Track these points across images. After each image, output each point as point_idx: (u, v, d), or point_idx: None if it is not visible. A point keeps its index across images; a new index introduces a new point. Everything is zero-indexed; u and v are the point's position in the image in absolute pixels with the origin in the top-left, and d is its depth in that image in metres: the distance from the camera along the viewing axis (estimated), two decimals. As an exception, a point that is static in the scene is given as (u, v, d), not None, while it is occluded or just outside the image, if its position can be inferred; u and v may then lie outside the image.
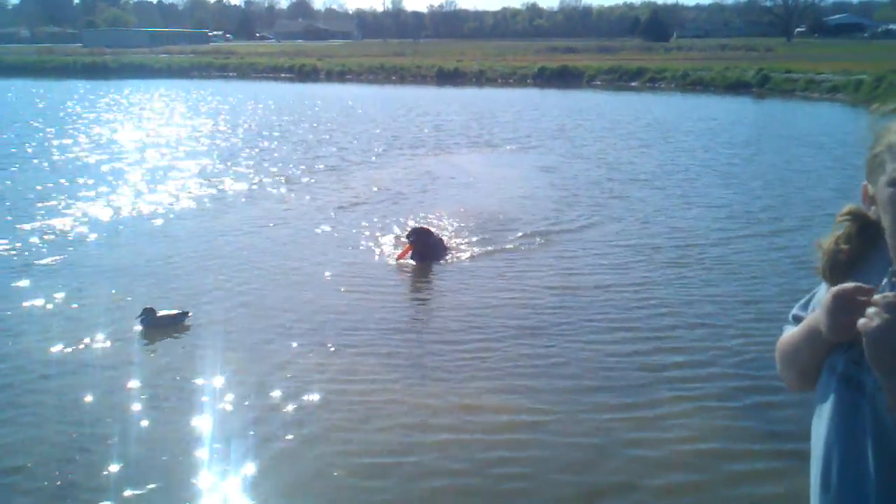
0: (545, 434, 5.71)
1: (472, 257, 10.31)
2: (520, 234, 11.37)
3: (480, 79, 47.93)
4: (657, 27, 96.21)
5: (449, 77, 48.94)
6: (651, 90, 39.91)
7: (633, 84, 42.44)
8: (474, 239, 11.07)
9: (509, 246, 10.76)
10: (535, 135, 23.00)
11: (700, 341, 7.38)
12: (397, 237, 10.99)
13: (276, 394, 6.35)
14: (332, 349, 7.27)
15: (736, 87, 38.07)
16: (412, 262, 10.00)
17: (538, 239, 11.09)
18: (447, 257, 10.27)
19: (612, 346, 7.28)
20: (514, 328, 7.74)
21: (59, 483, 5.12)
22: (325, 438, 5.65)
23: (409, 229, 10.57)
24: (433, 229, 10.79)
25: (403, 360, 7.05)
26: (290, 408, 6.11)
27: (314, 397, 6.28)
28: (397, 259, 10.05)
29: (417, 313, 8.46)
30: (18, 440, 5.66)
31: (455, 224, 11.89)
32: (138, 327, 7.71)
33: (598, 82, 43.99)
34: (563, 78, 45.19)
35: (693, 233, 11.38)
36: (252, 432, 5.74)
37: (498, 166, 17.82)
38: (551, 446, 5.53)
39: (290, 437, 5.68)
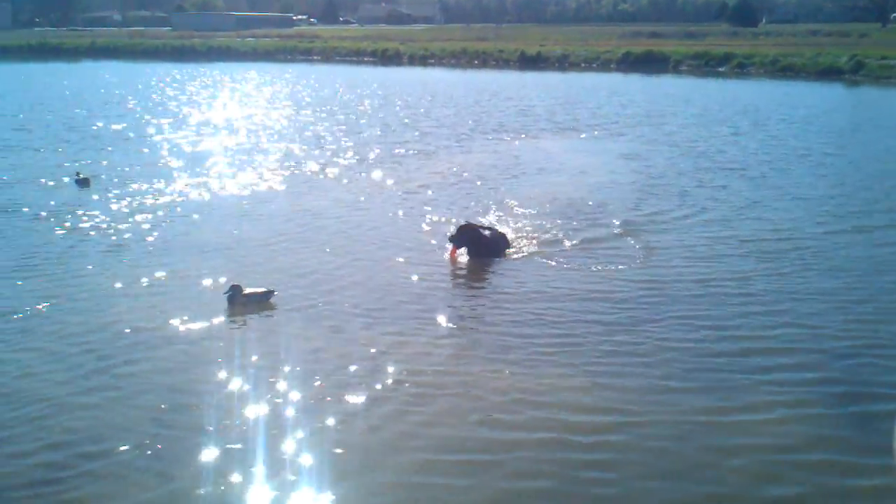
0: (633, 437, 5.42)
1: (554, 247, 9.99)
2: (606, 223, 11.04)
3: (563, 63, 47.30)
4: (746, 12, 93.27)
5: (531, 61, 48.44)
6: (739, 76, 38.73)
7: (720, 69, 41.26)
8: (558, 228, 10.77)
9: (594, 236, 10.43)
10: (621, 121, 22.49)
11: (800, 342, 6.95)
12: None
13: (355, 382, 6.23)
14: (410, 338, 7.12)
15: (828, 73, 36.68)
16: (468, 258, 9.52)
17: (625, 229, 10.72)
18: (516, 249, 9.87)
19: (703, 345, 6.92)
20: (596, 322, 7.44)
21: (148, 458, 5.13)
22: (407, 434, 5.49)
23: (454, 227, 9.93)
24: (483, 224, 10.30)
25: (483, 351, 6.85)
26: (368, 398, 5.97)
27: (394, 388, 6.13)
28: (450, 258, 9.50)
29: (497, 304, 8.18)
30: (108, 417, 5.68)
31: (541, 212, 11.62)
32: (225, 303, 7.78)
33: (684, 68, 42.91)
34: (648, 63, 44.21)
35: (789, 226, 10.83)
36: (333, 419, 5.62)
37: (584, 153, 17.43)
38: (640, 450, 5.25)
39: (370, 430, 5.53)
